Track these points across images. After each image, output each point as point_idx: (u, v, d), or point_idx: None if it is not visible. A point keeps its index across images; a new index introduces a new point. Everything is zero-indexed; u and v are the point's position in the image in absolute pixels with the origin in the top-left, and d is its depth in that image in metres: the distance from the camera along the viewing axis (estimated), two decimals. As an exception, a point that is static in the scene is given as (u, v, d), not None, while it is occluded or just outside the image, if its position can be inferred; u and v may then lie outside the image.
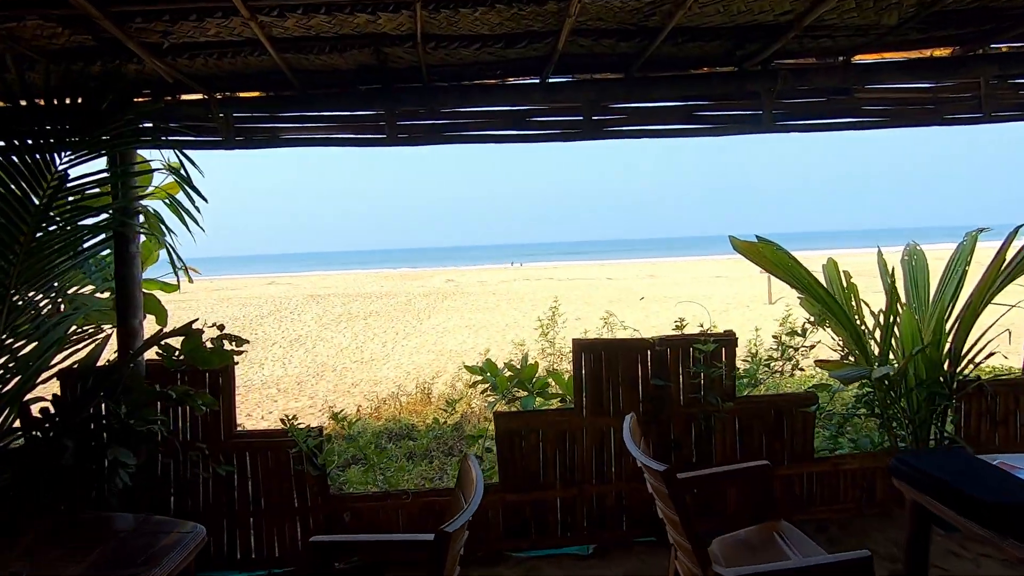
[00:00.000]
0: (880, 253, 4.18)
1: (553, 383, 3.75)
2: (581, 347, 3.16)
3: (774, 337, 3.94)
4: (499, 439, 2.95)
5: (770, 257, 3.42)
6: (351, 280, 40.81)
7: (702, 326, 4.11)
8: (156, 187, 3.15)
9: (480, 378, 3.62)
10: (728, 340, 3.28)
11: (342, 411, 5.99)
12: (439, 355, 12.87)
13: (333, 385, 10.76)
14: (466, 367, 3.62)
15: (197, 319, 3.05)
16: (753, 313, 16.32)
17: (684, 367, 3.17)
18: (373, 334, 16.05)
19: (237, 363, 3.08)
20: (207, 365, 2.74)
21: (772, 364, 3.89)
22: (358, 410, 4.77)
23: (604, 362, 3.08)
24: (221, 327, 2.87)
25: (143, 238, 3.34)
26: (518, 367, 3.55)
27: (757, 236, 3.42)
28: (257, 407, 9.32)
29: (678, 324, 3.92)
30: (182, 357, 2.72)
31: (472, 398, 6.23)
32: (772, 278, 19.28)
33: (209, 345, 2.77)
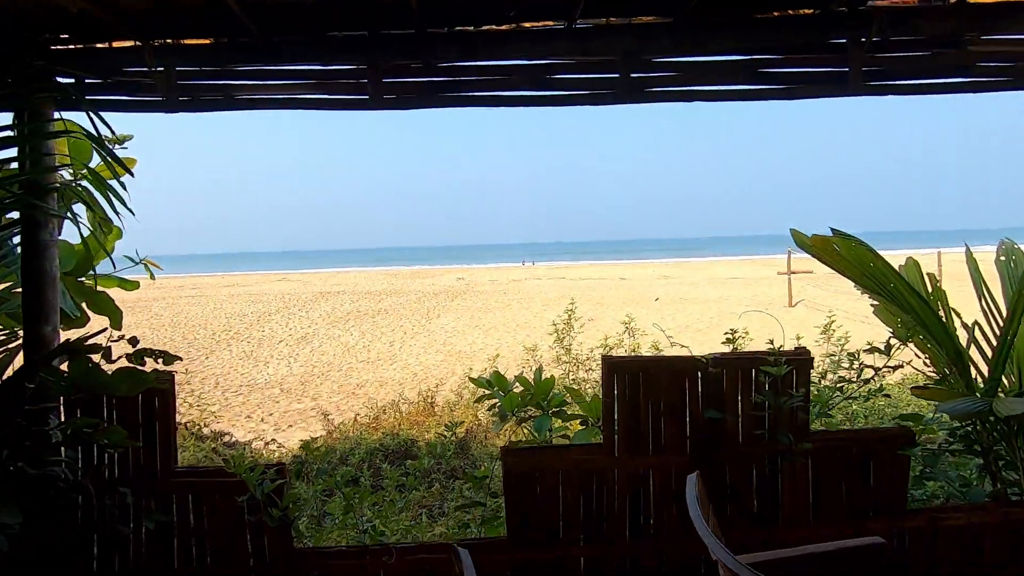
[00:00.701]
0: (970, 252, 3.45)
1: (572, 400, 3.05)
2: (613, 367, 2.47)
3: (850, 355, 3.17)
4: (508, 483, 2.31)
5: (846, 254, 2.72)
6: (362, 278, 40.40)
7: (733, 338, 3.35)
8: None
9: (487, 392, 2.92)
10: (803, 360, 2.55)
11: (339, 423, 5.39)
12: (447, 356, 12.28)
13: (337, 386, 10.21)
14: (471, 380, 2.89)
15: (105, 329, 2.43)
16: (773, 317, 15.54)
17: (745, 394, 2.47)
18: (381, 333, 15.51)
19: (176, 373, 2.47)
20: (110, 391, 2.11)
21: (845, 388, 3.13)
22: (355, 419, 4.15)
23: (642, 386, 2.42)
24: (134, 341, 2.25)
25: (83, 228, 2.70)
26: (531, 380, 2.86)
27: (832, 228, 2.71)
28: (258, 408, 8.79)
29: (730, 337, 3.21)
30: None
31: (480, 409, 5.58)
32: (792, 280, 18.34)
33: (127, 363, 2.14)
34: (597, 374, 4.13)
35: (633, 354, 4.78)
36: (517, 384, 2.97)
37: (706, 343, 12.48)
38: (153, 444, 2.32)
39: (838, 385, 3.15)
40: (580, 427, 3.03)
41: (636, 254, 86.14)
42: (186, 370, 11.99)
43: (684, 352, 3.08)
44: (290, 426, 7.57)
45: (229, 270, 73.77)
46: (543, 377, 2.95)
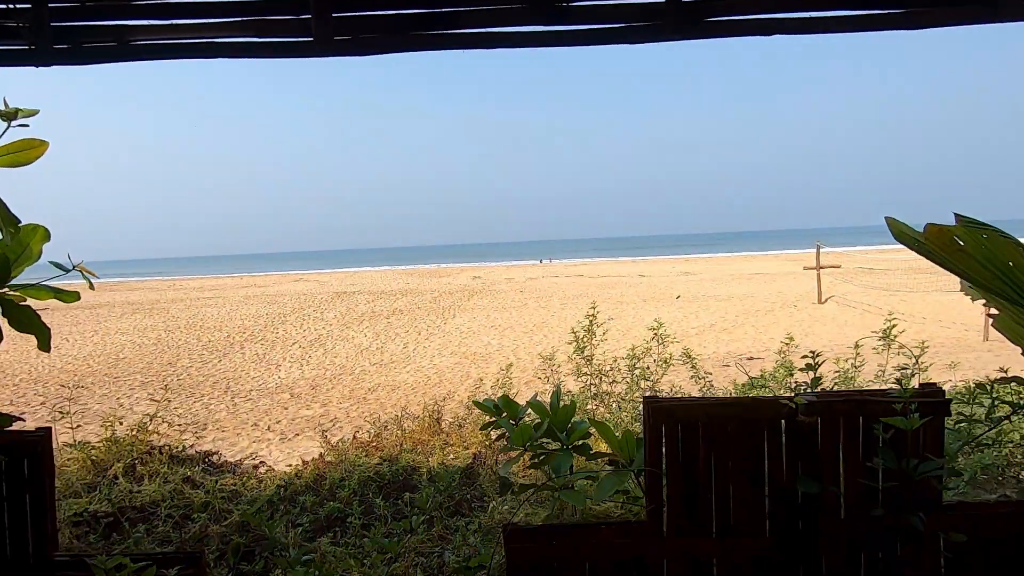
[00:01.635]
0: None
1: (597, 434, 2.43)
2: (659, 413, 1.81)
3: (980, 386, 2.27)
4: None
5: (974, 249, 1.94)
6: (378, 277, 40.32)
7: (816, 363, 2.14)
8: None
9: (493, 419, 2.33)
10: (937, 403, 1.78)
11: (339, 439, 5.04)
12: (462, 358, 11.94)
13: (349, 391, 9.93)
14: (476, 404, 2.40)
15: None
16: (802, 314, 14.89)
17: (851, 453, 1.76)
18: (395, 334, 15.23)
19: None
20: None
21: (965, 428, 2.21)
22: (355, 437, 3.78)
23: (702, 441, 1.78)
24: None
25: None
26: (547, 404, 2.30)
27: (957, 215, 1.94)
28: (265, 415, 8.53)
29: (811, 362, 2.21)
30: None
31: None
32: (821, 274, 17.50)
33: None
34: (621, 387, 3.71)
35: (683, 396, 3.64)
36: (530, 410, 2.38)
37: (733, 343, 11.97)
38: (21, 523, 1.76)
39: (957, 425, 2.25)
40: (607, 467, 2.34)
41: (655, 251, 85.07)
42: (199, 374, 11.87)
43: (743, 378, 2.53)
44: (296, 435, 7.28)
45: (249, 271, 74.58)
46: (563, 397, 2.39)
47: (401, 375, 10.85)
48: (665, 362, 3.61)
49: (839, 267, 28.30)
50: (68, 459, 3.03)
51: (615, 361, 3.80)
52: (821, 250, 19.19)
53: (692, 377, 3.75)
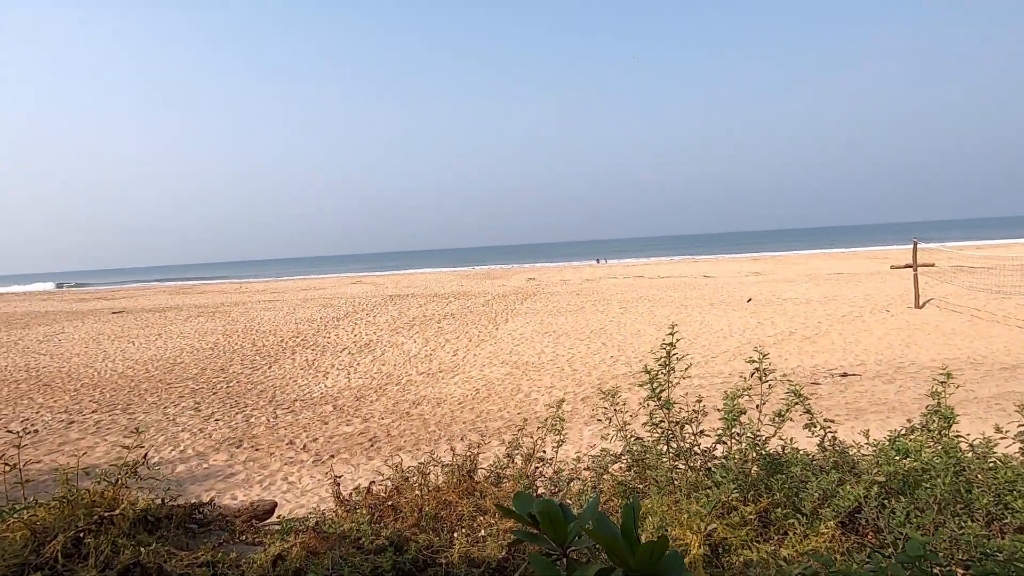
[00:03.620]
0: None
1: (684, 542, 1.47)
2: None
3: None
4: None
5: None
6: (432, 280, 40.31)
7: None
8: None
9: (530, 529, 1.30)
10: None
11: (352, 489, 4.32)
12: (513, 368, 11.16)
13: (392, 403, 9.37)
14: (499, 508, 1.45)
15: None
16: (898, 321, 13.12)
17: None
18: (445, 340, 14.66)
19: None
20: None
21: None
22: (368, 491, 3.03)
23: None
24: None
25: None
26: (612, 516, 1.38)
27: None
28: (304, 431, 8.07)
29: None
30: None
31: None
32: (920, 274, 15.49)
33: None
34: (713, 439, 2.75)
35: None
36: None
37: (819, 355, 10.56)
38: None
39: None
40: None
41: (719, 249, 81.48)
42: (248, 381, 11.72)
43: (846, 397, 1.64)
44: (331, 456, 6.71)
45: (312, 274, 77.23)
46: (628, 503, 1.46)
47: (448, 386, 10.19)
48: (779, 416, 2.62)
49: (933, 265, 25.55)
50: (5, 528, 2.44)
51: (699, 403, 2.84)
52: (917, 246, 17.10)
53: (807, 427, 2.75)
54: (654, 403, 2.63)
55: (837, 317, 14.07)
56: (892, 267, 27.30)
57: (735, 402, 2.58)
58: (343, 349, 14.33)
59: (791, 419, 2.74)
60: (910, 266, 19.78)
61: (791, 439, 2.75)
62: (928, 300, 15.51)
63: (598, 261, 65.13)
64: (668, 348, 2.75)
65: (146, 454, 3.45)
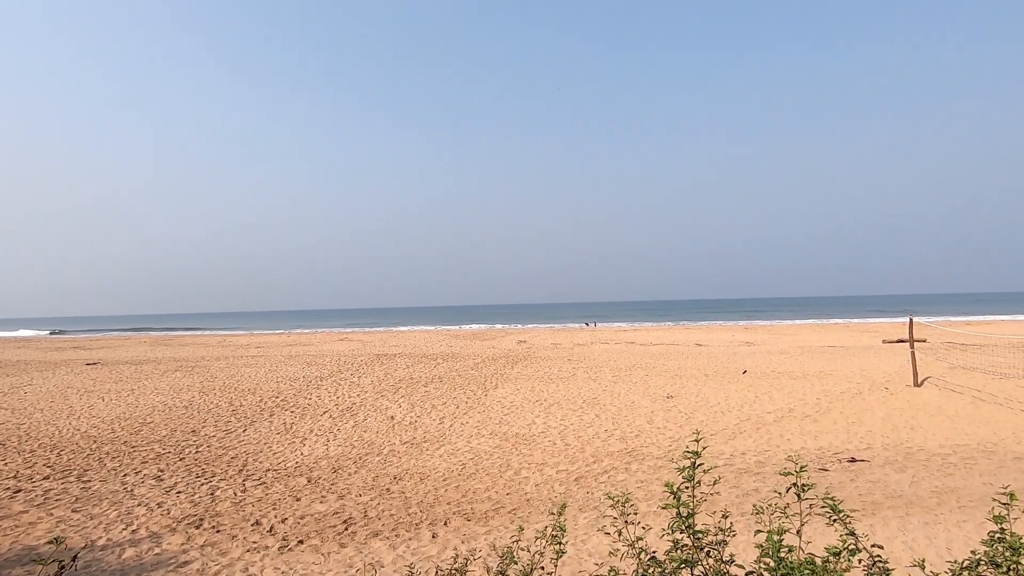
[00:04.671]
0: None
1: None
2: None
3: None
4: None
5: None
6: (421, 339, 39.71)
7: None
8: None
9: None
10: None
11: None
12: (502, 441, 10.57)
13: (373, 477, 8.72)
14: None
15: None
16: (899, 401, 12.78)
17: None
18: (431, 405, 14.05)
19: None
20: None
21: None
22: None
23: None
24: None
25: None
26: None
27: None
28: (272, 509, 7.38)
29: None
30: None
31: None
32: (919, 353, 15.31)
33: None
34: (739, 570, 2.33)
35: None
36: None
37: (822, 436, 10.12)
38: None
39: None
40: None
41: (709, 316, 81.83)
42: (220, 446, 10.98)
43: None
44: (300, 542, 6.06)
45: (300, 328, 76.15)
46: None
47: (433, 459, 9.57)
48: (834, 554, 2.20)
49: (925, 341, 25.48)
50: None
51: (725, 520, 2.42)
52: (900, 320, 17.00)
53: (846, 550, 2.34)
54: (677, 524, 2.22)
55: (836, 394, 13.71)
56: (884, 341, 27.20)
57: (775, 529, 2.17)
58: (324, 412, 13.65)
59: (821, 519, 2.34)
60: (903, 341, 19.51)
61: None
62: (926, 378, 15.24)
63: (587, 324, 64.97)
64: (692, 457, 2.36)
65: (76, 556, 2.95)
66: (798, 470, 2.37)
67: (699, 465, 2.29)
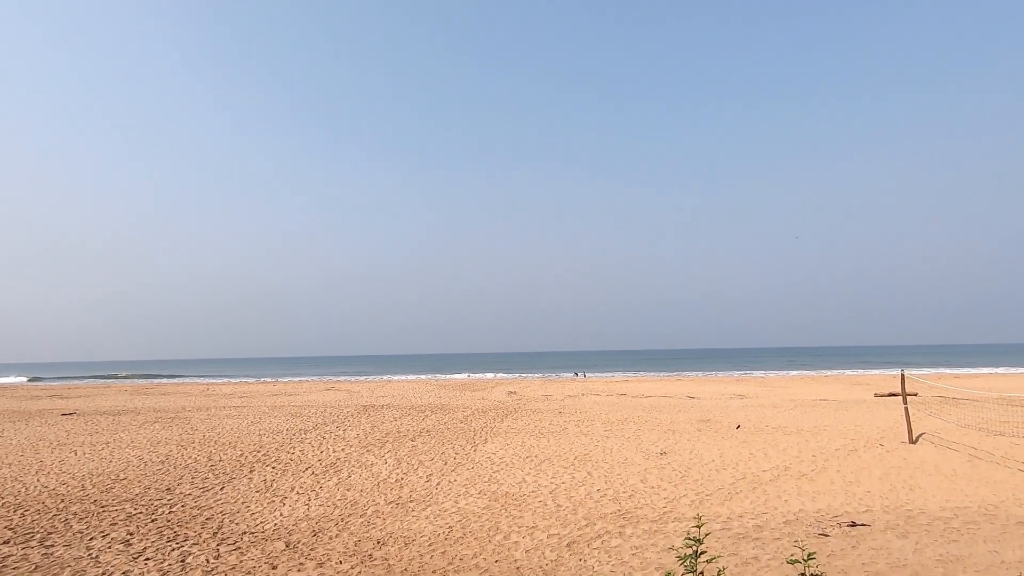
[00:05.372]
0: None
1: None
2: None
3: None
4: None
5: None
6: (409, 389, 39.06)
7: None
8: None
9: None
10: None
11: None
12: (492, 500, 10.19)
13: (355, 541, 8.29)
14: None
15: None
16: (894, 459, 12.59)
17: None
18: (419, 461, 13.62)
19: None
20: None
21: None
22: None
23: None
24: None
25: None
26: None
27: None
28: None
29: None
30: None
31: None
32: (910, 406, 15.29)
33: None
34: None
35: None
36: None
37: (820, 497, 9.85)
38: None
39: None
40: None
41: (700, 366, 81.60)
42: (195, 505, 10.47)
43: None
44: (274, 619, 5.66)
45: (286, 376, 74.80)
46: None
47: (419, 521, 9.17)
48: None
49: (916, 395, 25.43)
50: None
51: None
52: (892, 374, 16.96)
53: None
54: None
55: (831, 451, 13.48)
56: (876, 395, 27.11)
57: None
58: (307, 468, 13.17)
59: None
60: (895, 395, 19.48)
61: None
62: (920, 434, 15.08)
63: (576, 375, 64.45)
64: (695, 545, 2.23)
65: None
66: (805, 559, 2.22)
67: (702, 554, 2.15)
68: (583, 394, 31.85)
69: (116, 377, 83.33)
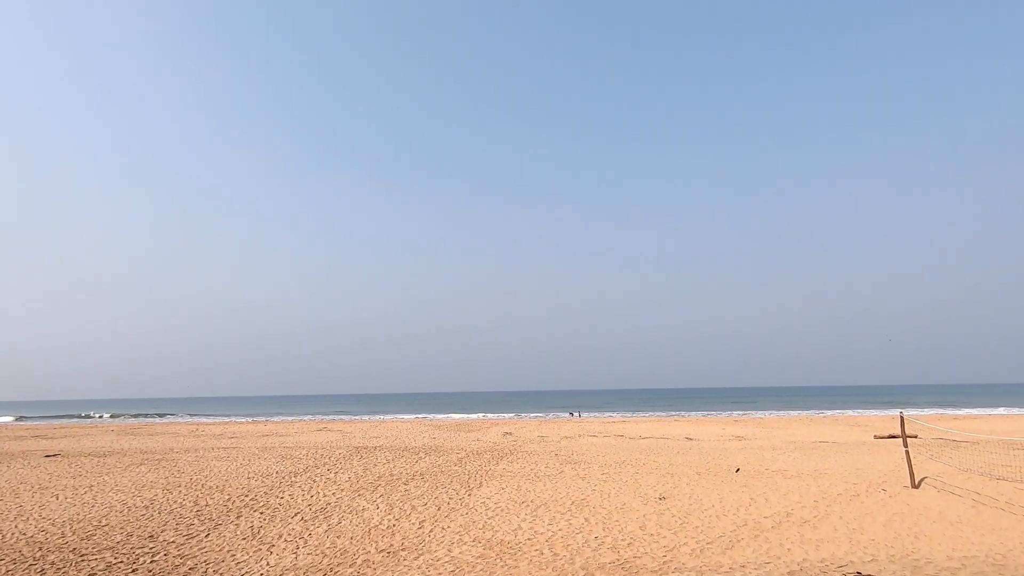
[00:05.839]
0: None
1: None
2: None
3: None
4: None
5: None
6: (403, 429, 38.38)
7: None
8: None
9: None
10: None
11: None
12: (486, 549, 9.87)
13: (343, 592, 7.97)
14: None
15: None
16: (898, 504, 12.34)
17: None
18: (411, 507, 13.25)
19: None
20: None
21: None
22: None
23: None
24: None
25: None
26: None
27: None
28: (231, 630, 6.63)
29: None
30: None
31: None
32: (910, 449, 15.06)
33: None
34: None
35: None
36: None
37: (823, 546, 9.58)
38: None
39: None
40: None
41: (698, 405, 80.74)
42: (178, 554, 10.09)
43: None
44: None
45: (279, 415, 73.50)
46: None
47: (410, 572, 8.85)
48: None
49: (916, 437, 25.14)
50: None
51: None
52: (892, 414, 16.79)
53: None
54: None
55: (833, 496, 13.21)
56: (876, 437, 26.82)
57: None
58: (296, 514, 12.78)
59: None
60: (895, 436, 19.40)
61: None
62: (923, 479, 14.83)
63: (572, 414, 63.63)
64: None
65: None
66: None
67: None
68: (580, 435, 31.35)
69: (98, 416, 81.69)
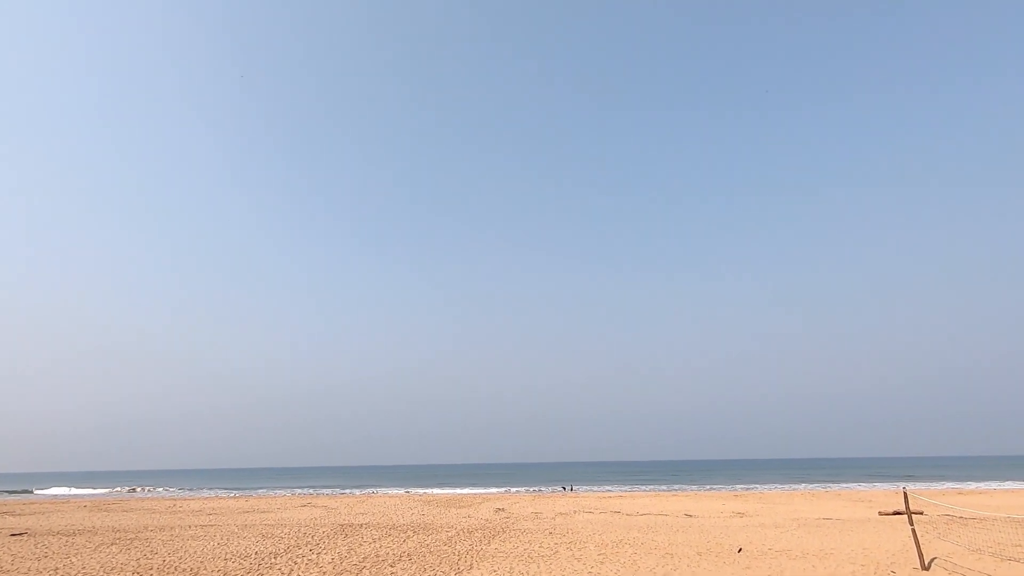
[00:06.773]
0: None
1: None
2: None
3: None
4: None
5: None
6: (391, 505, 36.79)
7: None
8: None
9: None
10: None
11: None
12: (476, 641, 9.22)
13: None
14: None
15: None
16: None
17: None
18: (397, 592, 12.48)
19: None
20: None
21: None
22: None
23: None
24: None
25: None
26: None
27: None
28: None
29: None
30: None
31: None
32: (917, 527, 14.58)
33: None
34: None
35: None
36: None
37: (834, 637, 9.04)
38: None
39: None
40: None
41: (695, 479, 78.32)
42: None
43: None
44: None
45: (262, 488, 70.41)
46: None
47: (395, 667, 8.21)
48: None
49: (922, 514, 24.36)
50: None
51: None
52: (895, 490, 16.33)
53: None
54: None
55: (841, 579, 12.61)
56: (880, 513, 25.92)
57: None
58: (274, 600, 11.99)
59: None
60: (900, 513, 18.69)
61: None
62: (933, 559, 14.25)
63: (565, 488, 61.56)
64: None
65: None
66: None
67: None
68: (575, 511, 30.13)
69: (75, 488, 77.87)
